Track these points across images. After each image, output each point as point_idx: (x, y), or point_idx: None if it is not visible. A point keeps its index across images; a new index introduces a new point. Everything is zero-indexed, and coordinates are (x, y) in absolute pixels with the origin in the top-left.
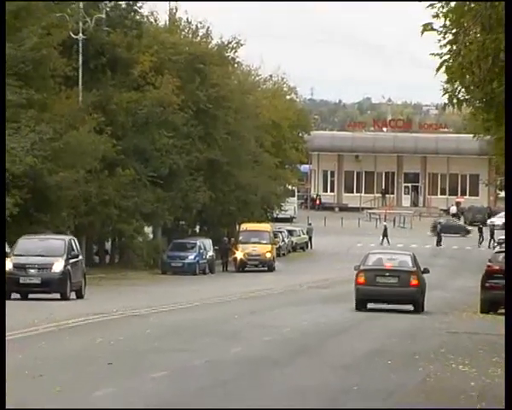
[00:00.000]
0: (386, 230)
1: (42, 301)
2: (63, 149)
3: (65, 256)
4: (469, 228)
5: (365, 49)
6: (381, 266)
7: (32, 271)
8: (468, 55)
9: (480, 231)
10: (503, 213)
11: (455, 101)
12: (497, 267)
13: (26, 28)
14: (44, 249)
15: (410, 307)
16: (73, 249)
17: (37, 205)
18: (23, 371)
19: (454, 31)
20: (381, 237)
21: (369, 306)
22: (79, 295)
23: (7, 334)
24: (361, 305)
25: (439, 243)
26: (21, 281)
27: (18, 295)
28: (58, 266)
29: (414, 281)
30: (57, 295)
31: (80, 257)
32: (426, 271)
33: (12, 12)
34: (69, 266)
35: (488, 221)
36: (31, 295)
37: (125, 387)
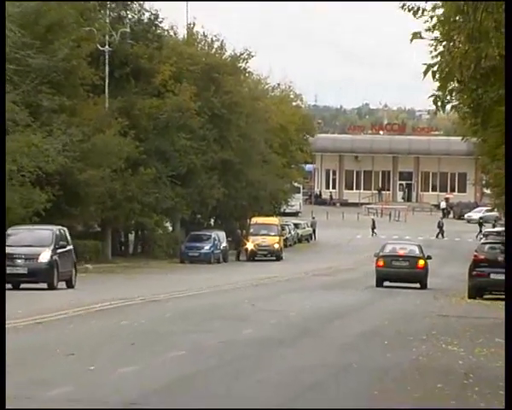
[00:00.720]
0: (374, 223)
1: (68, 289)
2: (91, 150)
3: (52, 246)
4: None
5: (364, 59)
6: (396, 253)
7: (19, 261)
8: (452, 61)
9: (440, 226)
10: (479, 209)
11: (439, 103)
12: (483, 257)
13: (58, 41)
14: (32, 240)
15: (417, 285)
16: (62, 240)
17: (67, 200)
18: (55, 350)
19: (444, 43)
20: (371, 230)
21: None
22: (70, 285)
23: (38, 317)
24: (379, 283)
25: (441, 234)
26: (8, 271)
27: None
28: (45, 255)
29: (420, 265)
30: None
31: (70, 247)
32: (429, 257)
33: (45, 26)
34: (56, 256)
35: (466, 215)
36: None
37: (147, 365)
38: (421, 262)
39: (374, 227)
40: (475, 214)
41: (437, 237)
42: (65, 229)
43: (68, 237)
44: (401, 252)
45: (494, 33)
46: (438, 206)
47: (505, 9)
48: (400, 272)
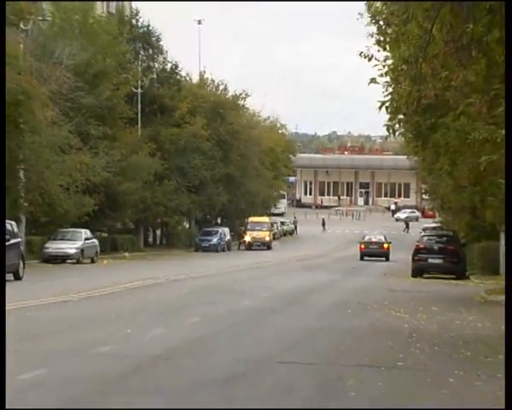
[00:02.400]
0: (323, 220)
1: (102, 272)
2: (127, 167)
3: None
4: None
5: (333, 96)
6: (370, 240)
7: None
8: (399, 100)
9: (407, 224)
10: (404, 210)
11: (390, 130)
12: (423, 246)
13: (102, 85)
14: None
15: (383, 259)
16: (8, 233)
17: (109, 205)
18: (105, 317)
19: (393, 85)
20: (322, 226)
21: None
22: (17, 277)
23: (86, 293)
24: (362, 258)
25: (407, 229)
26: None
27: None
28: None
29: (385, 247)
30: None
31: (18, 240)
32: (390, 242)
33: (92, 74)
34: None
35: (395, 215)
36: None
37: (170, 328)
38: (386, 245)
39: (324, 224)
40: (402, 215)
41: (403, 231)
42: (12, 223)
43: (16, 231)
44: (374, 239)
45: (431, 78)
46: (388, 208)
47: (505, 10)
48: (374, 251)
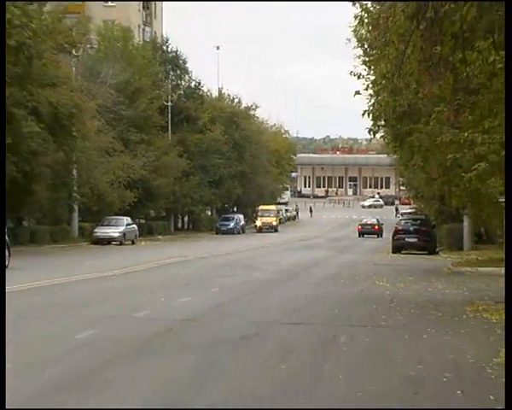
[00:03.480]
0: (311, 208)
1: (139, 251)
2: (160, 166)
3: None
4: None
5: (326, 106)
6: (366, 222)
7: None
8: (380, 108)
9: (396, 209)
10: (369, 200)
11: (373, 134)
12: (400, 228)
13: (139, 100)
14: None
15: (376, 236)
16: None
17: (146, 197)
18: (142, 288)
19: (375, 97)
20: (309, 212)
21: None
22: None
23: (127, 269)
24: (360, 236)
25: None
26: None
27: None
28: None
29: (377, 227)
30: None
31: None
32: (382, 224)
33: (131, 90)
34: None
35: (361, 203)
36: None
37: (196, 297)
38: (377, 226)
39: (311, 210)
40: (367, 203)
41: (395, 216)
42: None
43: None
44: (368, 222)
45: (405, 91)
46: (373, 197)
47: (505, 11)
48: (368, 230)
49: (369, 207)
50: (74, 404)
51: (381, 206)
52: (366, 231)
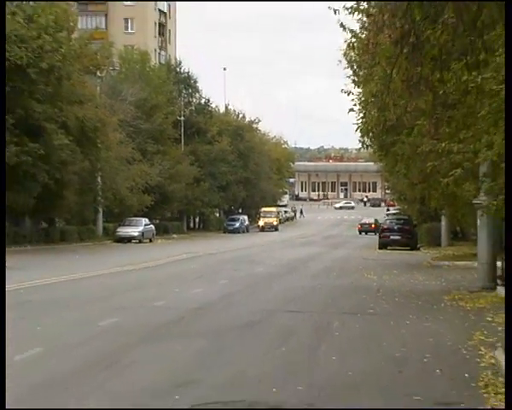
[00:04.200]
0: (302, 210)
1: (159, 249)
2: (174, 174)
3: None
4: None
5: (321, 121)
6: (365, 222)
7: None
8: (369, 123)
9: (388, 209)
10: (340, 202)
11: (363, 145)
12: (386, 226)
13: (156, 115)
14: None
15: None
16: None
17: (162, 200)
18: (159, 280)
19: (365, 112)
20: (300, 213)
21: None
22: None
23: (145, 264)
24: (360, 233)
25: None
26: None
27: None
28: None
29: (374, 226)
30: None
31: None
32: (380, 223)
33: (149, 107)
34: None
35: (333, 205)
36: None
37: (207, 288)
38: (374, 225)
39: (301, 212)
40: (338, 205)
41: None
42: None
43: None
44: (367, 222)
45: (391, 107)
46: (362, 200)
47: (505, 10)
48: (367, 229)
49: (341, 208)
50: (76, 403)
51: (352, 207)
52: (365, 229)
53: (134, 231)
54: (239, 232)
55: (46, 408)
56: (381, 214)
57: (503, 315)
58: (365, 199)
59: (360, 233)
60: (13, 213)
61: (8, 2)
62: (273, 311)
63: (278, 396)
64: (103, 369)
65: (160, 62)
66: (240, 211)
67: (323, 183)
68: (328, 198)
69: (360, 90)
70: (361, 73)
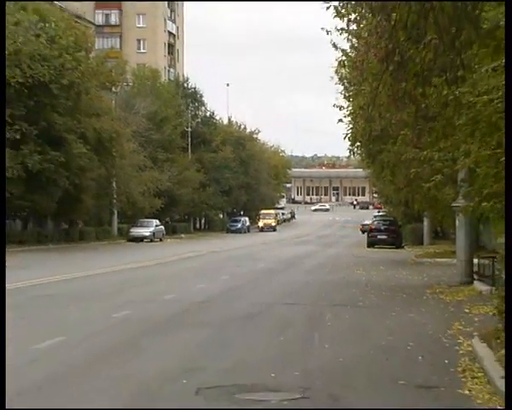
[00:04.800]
0: (291, 214)
1: (168, 247)
2: (182, 179)
3: None
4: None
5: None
6: (366, 223)
7: None
8: (357, 133)
9: (378, 212)
10: (318, 204)
11: (351, 152)
12: (374, 227)
13: (166, 126)
14: None
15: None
16: None
17: (171, 204)
18: (167, 276)
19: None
20: (288, 215)
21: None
22: None
23: (155, 261)
24: (362, 233)
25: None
26: None
27: None
28: None
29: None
30: None
31: None
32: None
33: (159, 119)
34: None
35: (311, 208)
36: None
37: (210, 283)
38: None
39: (294, 215)
40: (313, 207)
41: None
42: None
43: None
44: (367, 223)
45: (378, 119)
46: (352, 203)
47: (505, 12)
48: (367, 229)
49: (316, 211)
50: (100, 383)
51: (327, 210)
52: (365, 229)
53: (146, 231)
54: (240, 232)
55: (46, 408)
56: (369, 216)
57: (480, 307)
58: (355, 202)
59: (363, 233)
60: (36, 215)
61: (33, 26)
62: (272, 303)
63: (276, 381)
64: (119, 354)
65: (169, 79)
66: (241, 213)
67: (317, 187)
68: (322, 201)
69: (350, 103)
70: (351, 89)
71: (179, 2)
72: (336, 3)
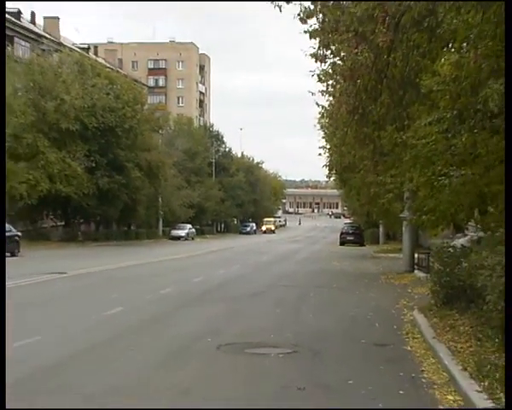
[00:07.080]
0: (285, 220)
1: (178, 248)
2: (208, 196)
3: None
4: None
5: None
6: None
7: None
8: (332, 164)
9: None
10: (275, 218)
11: (329, 178)
12: (344, 231)
13: (197, 158)
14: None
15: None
16: (10, 231)
17: (199, 213)
18: (195, 265)
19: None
20: (283, 222)
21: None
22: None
23: (188, 254)
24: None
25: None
26: None
27: None
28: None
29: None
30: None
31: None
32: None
33: (192, 153)
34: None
35: (300, 218)
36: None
37: (226, 270)
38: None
39: (285, 222)
40: (272, 219)
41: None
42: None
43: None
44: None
45: (347, 154)
46: (329, 214)
47: (505, 12)
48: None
49: (303, 218)
50: (147, 342)
51: (285, 224)
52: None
53: (182, 232)
54: (249, 234)
55: (47, 408)
56: (341, 223)
57: (419, 288)
58: (331, 213)
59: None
60: (105, 221)
61: (104, 87)
62: (272, 285)
63: (274, 340)
64: (160, 321)
65: (199, 125)
66: (250, 220)
67: (304, 202)
68: (313, 212)
69: (327, 143)
70: (328, 133)
71: (208, 71)
72: (318, 72)
